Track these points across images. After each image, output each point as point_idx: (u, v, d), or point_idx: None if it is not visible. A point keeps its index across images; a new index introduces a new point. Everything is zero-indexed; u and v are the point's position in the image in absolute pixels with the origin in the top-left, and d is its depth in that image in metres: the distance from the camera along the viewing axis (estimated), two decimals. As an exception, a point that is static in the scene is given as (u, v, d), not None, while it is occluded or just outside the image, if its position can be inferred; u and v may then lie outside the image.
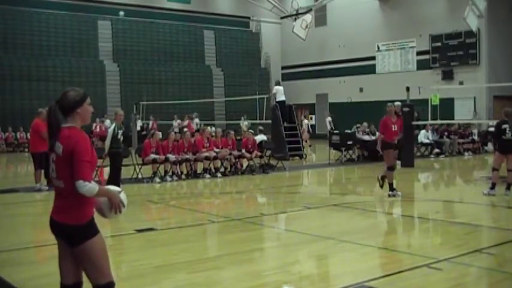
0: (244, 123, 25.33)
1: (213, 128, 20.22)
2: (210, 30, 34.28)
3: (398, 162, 16.68)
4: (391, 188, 10.37)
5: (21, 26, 27.66)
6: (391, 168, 10.43)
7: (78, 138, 3.34)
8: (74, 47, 29.26)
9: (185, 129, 17.92)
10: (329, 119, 27.23)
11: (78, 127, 3.44)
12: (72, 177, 3.28)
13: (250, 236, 7.39)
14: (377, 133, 10.77)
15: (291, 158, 18.62)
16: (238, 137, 17.34)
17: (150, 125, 26.03)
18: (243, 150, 14.89)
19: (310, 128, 25.61)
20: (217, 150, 14.33)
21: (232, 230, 7.79)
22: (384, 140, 10.47)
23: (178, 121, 25.65)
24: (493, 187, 10.27)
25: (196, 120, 25.60)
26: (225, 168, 14.49)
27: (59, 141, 3.35)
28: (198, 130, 22.41)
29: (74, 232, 3.31)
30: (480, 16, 20.36)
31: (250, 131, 16.47)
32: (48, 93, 26.30)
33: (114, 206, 3.47)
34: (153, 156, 13.18)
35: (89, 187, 3.25)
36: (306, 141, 24.63)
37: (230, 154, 14.50)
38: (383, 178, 10.49)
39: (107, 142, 10.50)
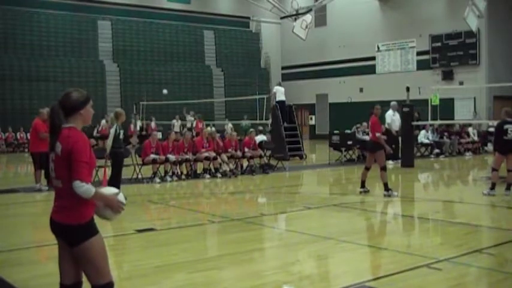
0: (229, 125, 25.18)
1: (212, 128, 20.13)
2: (210, 30, 34.29)
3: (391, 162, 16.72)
4: (387, 188, 10.39)
5: (21, 26, 27.67)
6: (386, 168, 10.51)
7: (77, 138, 3.34)
8: (74, 47, 29.27)
9: (185, 130, 17.91)
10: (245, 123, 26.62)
11: (79, 128, 3.44)
12: (69, 178, 3.28)
13: (250, 236, 7.39)
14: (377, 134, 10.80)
15: (291, 158, 18.62)
16: (238, 137, 17.33)
17: (152, 126, 25.89)
18: (246, 149, 14.90)
19: None
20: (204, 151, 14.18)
21: (232, 230, 7.79)
22: (376, 140, 10.52)
23: (191, 119, 25.41)
24: (493, 187, 10.27)
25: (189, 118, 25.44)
26: (225, 170, 14.39)
27: (59, 141, 3.35)
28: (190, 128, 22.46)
29: (74, 232, 3.31)
30: (480, 16, 20.32)
31: (252, 130, 16.43)
32: (48, 93, 26.33)
33: (113, 210, 3.46)
34: (153, 156, 13.19)
35: (86, 188, 3.24)
36: None
37: (217, 156, 14.47)
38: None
39: (109, 142, 10.50)
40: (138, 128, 25.45)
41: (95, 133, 23.38)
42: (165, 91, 25.15)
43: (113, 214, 3.49)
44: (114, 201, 3.44)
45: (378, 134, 10.57)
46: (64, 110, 3.40)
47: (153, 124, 26.46)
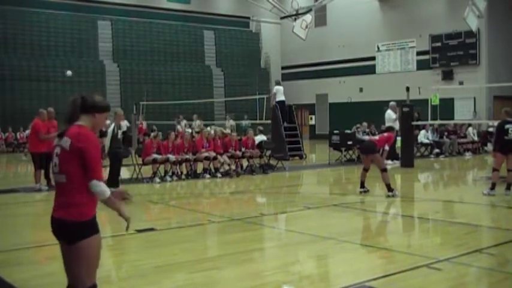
0: (230, 123, 25.15)
1: (211, 128, 20.03)
2: (210, 30, 34.29)
3: (391, 162, 16.71)
4: (390, 189, 10.38)
5: (21, 26, 27.66)
6: (386, 169, 10.52)
7: (89, 136, 3.36)
8: (74, 47, 29.27)
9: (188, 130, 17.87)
10: (231, 122, 26.52)
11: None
12: (75, 174, 3.30)
13: (250, 236, 7.39)
14: (383, 135, 10.93)
15: (291, 158, 18.62)
16: (238, 137, 17.34)
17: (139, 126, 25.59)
18: (243, 149, 14.91)
19: None
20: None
21: (232, 230, 7.79)
22: (378, 145, 10.54)
23: (198, 122, 25.35)
24: (493, 187, 10.26)
25: (185, 121, 25.29)
26: (226, 170, 14.40)
27: (67, 136, 3.35)
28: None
29: (74, 229, 3.29)
30: (480, 16, 20.32)
31: (250, 129, 16.41)
32: (48, 93, 26.35)
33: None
34: (154, 156, 13.17)
35: (102, 189, 3.29)
36: None
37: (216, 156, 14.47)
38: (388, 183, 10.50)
39: (107, 142, 10.52)
40: (124, 128, 24.81)
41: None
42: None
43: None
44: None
45: (387, 148, 10.63)
46: (82, 106, 3.44)
47: (144, 124, 26.20)
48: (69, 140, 3.32)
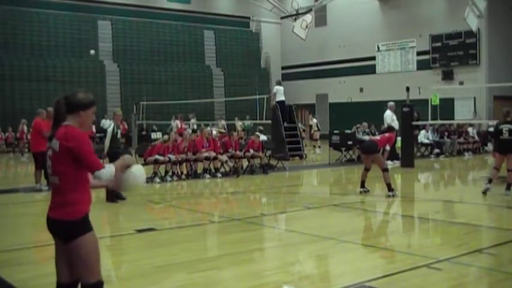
0: (239, 123, 25.25)
1: (210, 128, 20.01)
2: (210, 30, 34.29)
3: (390, 162, 16.70)
4: (390, 189, 10.38)
5: (21, 26, 27.65)
6: (387, 169, 10.52)
7: (76, 133, 3.38)
8: (74, 47, 29.25)
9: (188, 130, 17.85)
10: (223, 122, 26.70)
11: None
12: (66, 173, 3.33)
13: (250, 236, 7.39)
14: (384, 135, 10.95)
15: (291, 158, 18.61)
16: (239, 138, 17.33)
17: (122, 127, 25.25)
18: (251, 151, 14.87)
19: (318, 127, 25.62)
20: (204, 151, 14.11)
21: (232, 230, 7.79)
22: (379, 145, 10.55)
23: (193, 120, 25.34)
24: (489, 182, 10.35)
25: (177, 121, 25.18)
26: (226, 170, 14.41)
27: (56, 138, 3.39)
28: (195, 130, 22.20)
29: (68, 227, 3.33)
30: (480, 16, 20.36)
31: (257, 133, 16.33)
32: (48, 93, 26.29)
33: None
34: (156, 156, 13.16)
35: (107, 171, 3.33)
36: (317, 140, 24.68)
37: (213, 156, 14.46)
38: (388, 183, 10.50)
39: (106, 142, 10.52)
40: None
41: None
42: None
43: (136, 177, 3.57)
44: (129, 159, 3.59)
45: (388, 148, 10.64)
46: (67, 106, 3.46)
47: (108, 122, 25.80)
48: (58, 142, 3.36)
